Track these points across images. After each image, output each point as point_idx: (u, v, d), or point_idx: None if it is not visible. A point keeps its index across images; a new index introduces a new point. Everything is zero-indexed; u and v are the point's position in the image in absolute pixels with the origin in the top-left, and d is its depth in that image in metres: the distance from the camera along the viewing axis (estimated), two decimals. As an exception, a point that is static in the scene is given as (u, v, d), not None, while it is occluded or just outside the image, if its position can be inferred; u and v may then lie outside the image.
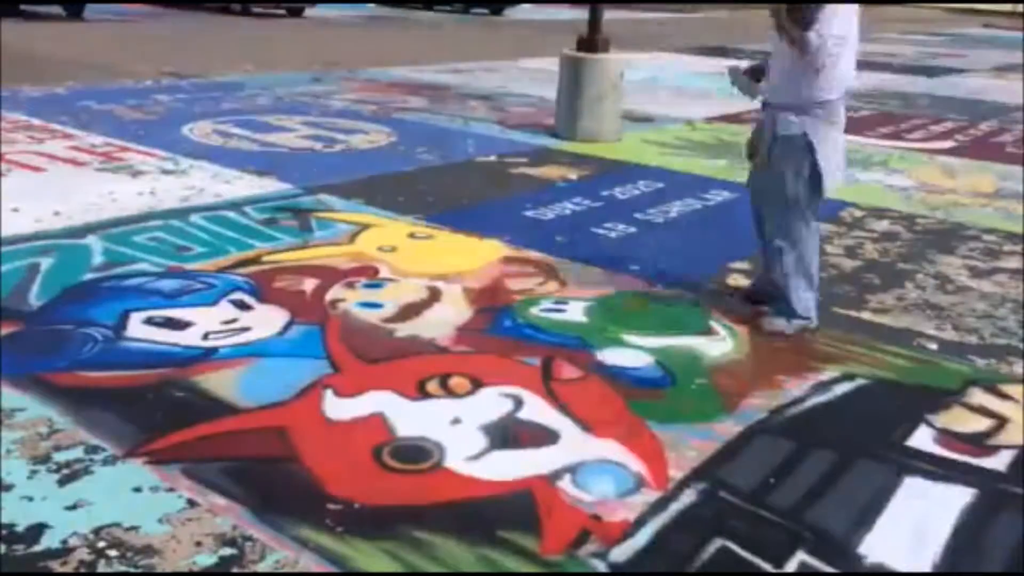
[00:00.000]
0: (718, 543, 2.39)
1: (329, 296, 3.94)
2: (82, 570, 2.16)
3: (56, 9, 16.76)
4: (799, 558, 2.36)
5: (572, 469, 2.69)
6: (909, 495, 2.68)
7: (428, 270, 4.32)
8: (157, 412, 2.89)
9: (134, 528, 2.31)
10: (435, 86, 10.69)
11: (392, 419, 2.91)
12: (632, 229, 5.26)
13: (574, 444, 2.84)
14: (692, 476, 2.70)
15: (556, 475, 2.65)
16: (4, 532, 2.27)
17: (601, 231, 5.18)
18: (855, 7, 3.70)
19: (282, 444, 2.75)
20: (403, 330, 3.64)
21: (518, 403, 3.07)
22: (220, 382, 3.11)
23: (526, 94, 10.45)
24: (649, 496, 2.59)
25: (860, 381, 3.43)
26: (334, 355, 3.38)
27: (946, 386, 3.43)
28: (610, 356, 3.50)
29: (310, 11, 21.25)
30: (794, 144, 3.69)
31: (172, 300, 3.81)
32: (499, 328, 3.73)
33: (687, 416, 3.06)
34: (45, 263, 4.14)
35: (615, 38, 8.17)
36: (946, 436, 3.04)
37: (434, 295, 4.02)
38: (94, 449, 2.65)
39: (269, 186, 5.77)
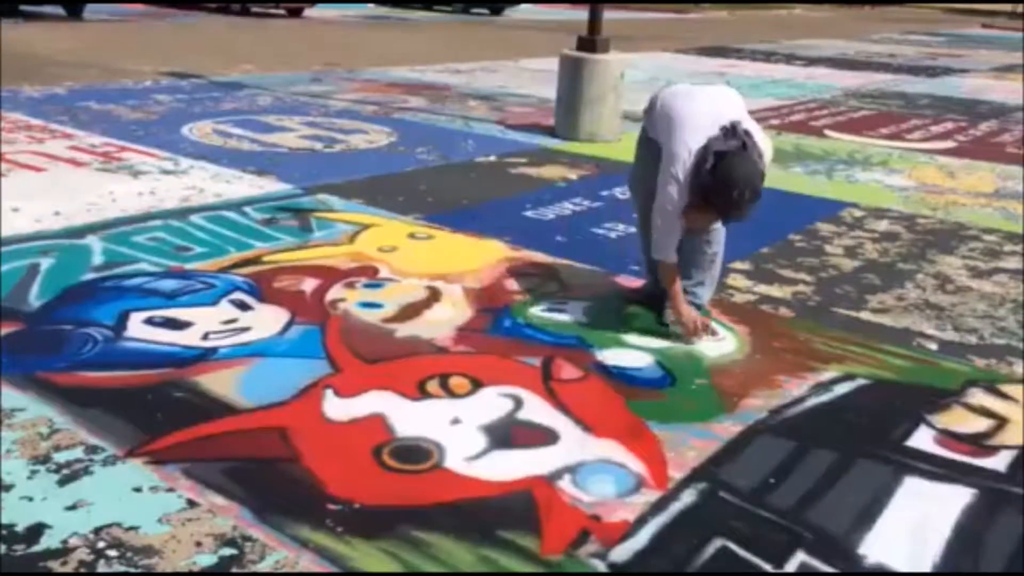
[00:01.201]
0: (718, 543, 2.39)
1: (329, 296, 3.94)
2: (82, 570, 2.16)
3: (56, 9, 16.76)
4: (799, 558, 2.36)
5: (572, 469, 2.69)
6: (909, 495, 2.68)
7: (428, 270, 4.32)
8: (157, 412, 2.89)
9: (134, 528, 2.31)
10: (435, 86, 10.69)
11: (392, 419, 2.91)
12: (632, 229, 5.22)
13: (574, 444, 2.84)
14: (692, 476, 2.70)
15: (556, 475, 2.65)
16: (4, 532, 2.27)
17: (601, 231, 5.18)
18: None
19: (282, 444, 2.75)
20: (403, 330, 3.65)
21: (518, 403, 3.07)
22: (220, 382, 3.11)
23: (526, 94, 10.46)
24: (649, 496, 2.58)
25: (860, 381, 3.43)
26: (334, 355, 3.38)
27: (946, 386, 3.43)
28: (610, 356, 3.50)
29: (310, 11, 21.26)
30: None
31: (172, 300, 3.81)
32: (499, 328, 3.73)
33: (687, 416, 3.06)
34: (45, 263, 4.14)
35: (615, 38, 8.17)
36: (946, 436, 3.04)
37: (434, 295, 4.02)
38: (94, 449, 2.65)
39: (269, 186, 5.77)
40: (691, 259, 3.82)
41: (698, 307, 3.87)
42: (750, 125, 3.45)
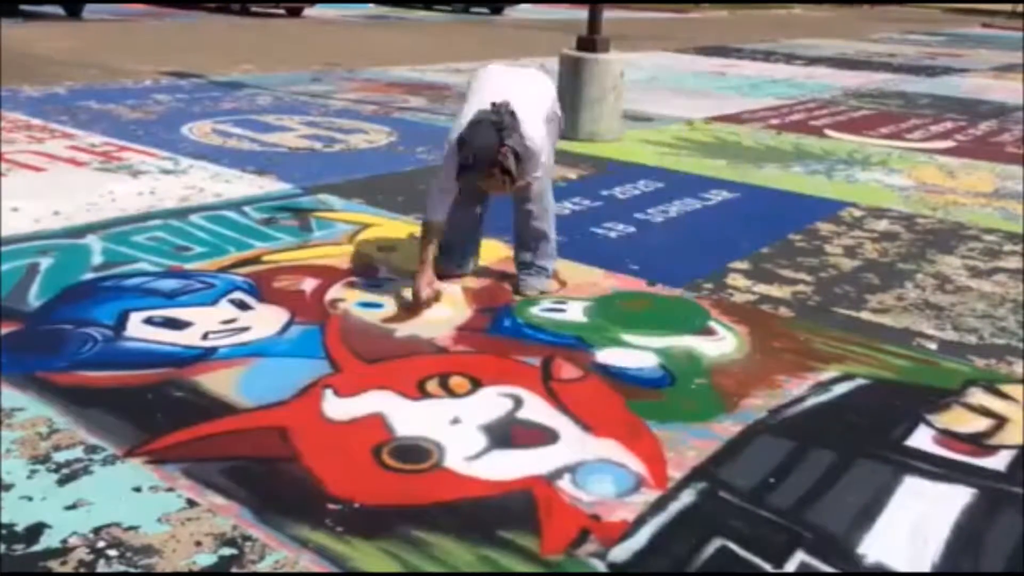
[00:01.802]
0: (718, 543, 2.39)
1: (329, 296, 3.94)
2: (81, 570, 2.16)
3: (56, 9, 16.76)
4: (799, 558, 2.36)
5: (572, 469, 2.69)
6: (909, 495, 2.68)
7: (428, 270, 4.31)
8: (157, 412, 2.89)
9: (134, 528, 2.31)
10: (435, 86, 10.69)
11: (392, 419, 2.91)
12: (632, 229, 5.26)
13: (574, 444, 2.84)
14: (692, 476, 2.70)
15: (556, 475, 2.65)
16: (4, 532, 2.27)
17: (601, 231, 5.18)
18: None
19: (282, 444, 2.75)
20: (403, 330, 3.65)
21: (518, 403, 3.07)
22: (220, 382, 3.11)
23: (526, 94, 10.43)
24: (649, 496, 2.59)
25: (859, 381, 3.43)
26: (334, 355, 3.38)
27: (946, 386, 3.43)
28: (610, 356, 3.50)
29: (310, 11, 21.26)
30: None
31: (172, 300, 3.81)
32: (499, 328, 3.73)
33: (687, 416, 3.07)
34: (45, 263, 4.14)
35: (614, 38, 8.16)
36: (946, 436, 3.04)
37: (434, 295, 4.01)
38: (94, 449, 2.65)
39: (269, 186, 5.77)
40: (523, 231, 4.15)
41: (539, 269, 4.15)
42: (533, 109, 3.81)
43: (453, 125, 3.86)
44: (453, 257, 4.24)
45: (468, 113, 3.78)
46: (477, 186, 3.82)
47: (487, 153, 3.58)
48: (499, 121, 3.62)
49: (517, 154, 3.64)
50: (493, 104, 3.70)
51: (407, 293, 3.88)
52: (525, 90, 3.92)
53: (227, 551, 2.25)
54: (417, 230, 4.95)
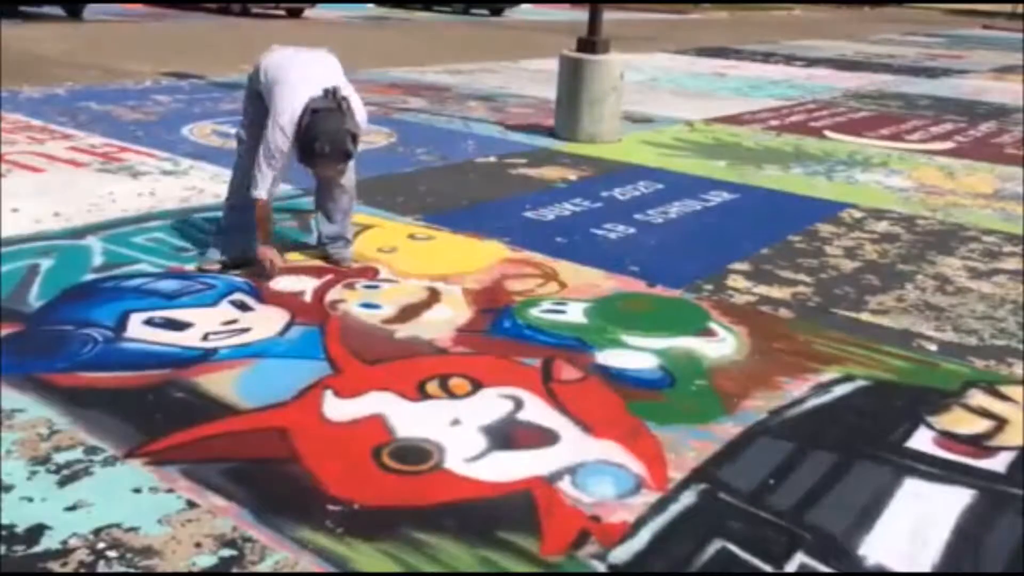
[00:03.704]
0: (718, 544, 2.39)
1: (329, 297, 3.94)
2: (82, 571, 2.16)
3: (56, 9, 16.76)
4: (799, 559, 2.36)
5: (572, 470, 2.69)
6: (908, 496, 2.68)
7: (428, 271, 4.32)
8: (157, 413, 2.89)
9: (134, 529, 2.31)
10: (435, 86, 10.69)
11: (392, 420, 2.92)
12: (632, 230, 5.26)
13: (574, 445, 2.84)
14: (692, 477, 2.70)
15: (556, 476, 2.65)
16: (4, 533, 2.27)
17: (601, 232, 5.18)
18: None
19: (282, 445, 2.75)
20: (403, 331, 3.65)
21: (518, 404, 3.07)
22: (220, 383, 3.11)
23: (526, 94, 10.45)
24: (649, 497, 2.59)
25: (859, 382, 3.43)
26: (334, 356, 3.38)
27: (945, 387, 3.43)
28: (610, 357, 3.50)
29: (310, 11, 21.27)
30: None
31: (172, 301, 3.81)
32: (499, 329, 3.73)
33: (687, 417, 3.07)
34: (45, 264, 4.14)
35: (614, 39, 8.17)
36: (945, 437, 3.04)
37: (434, 296, 4.02)
38: (94, 450, 2.65)
39: (269, 187, 5.75)
40: (336, 206, 4.37)
41: (348, 241, 4.41)
42: (348, 91, 3.96)
43: (280, 108, 3.84)
44: (238, 241, 4.28)
45: (296, 99, 3.82)
46: (317, 173, 4.05)
47: (341, 143, 3.78)
48: (339, 108, 3.79)
49: (355, 138, 3.85)
50: (326, 91, 3.82)
51: (265, 263, 4.11)
52: (336, 74, 4.03)
53: (227, 552, 2.25)
54: (417, 231, 4.98)
